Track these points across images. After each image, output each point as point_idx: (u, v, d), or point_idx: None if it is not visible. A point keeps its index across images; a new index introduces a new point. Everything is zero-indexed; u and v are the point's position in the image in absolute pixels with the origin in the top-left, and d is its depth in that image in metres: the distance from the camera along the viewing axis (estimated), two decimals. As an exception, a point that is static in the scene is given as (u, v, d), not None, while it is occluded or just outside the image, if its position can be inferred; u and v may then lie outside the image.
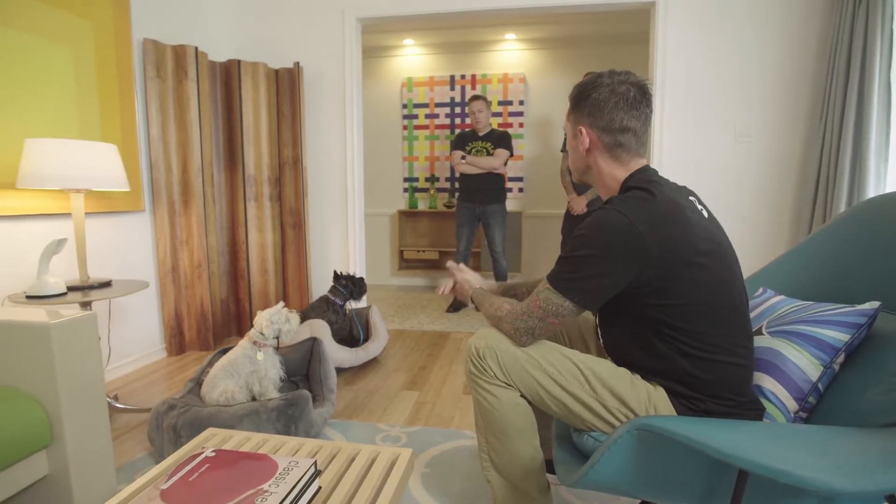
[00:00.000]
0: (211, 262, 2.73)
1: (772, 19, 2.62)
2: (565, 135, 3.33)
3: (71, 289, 1.82)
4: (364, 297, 2.97)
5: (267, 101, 2.87)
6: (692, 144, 2.77)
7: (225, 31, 3.11)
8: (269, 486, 0.78)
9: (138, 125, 2.44)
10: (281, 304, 1.95)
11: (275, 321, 1.88)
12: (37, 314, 1.31)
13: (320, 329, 2.33)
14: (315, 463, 0.85)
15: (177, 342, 2.66)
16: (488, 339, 1.13)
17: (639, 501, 1.46)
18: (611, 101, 1.07)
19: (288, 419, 1.58)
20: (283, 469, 0.82)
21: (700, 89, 2.73)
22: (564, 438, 1.23)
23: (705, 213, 1.09)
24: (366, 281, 3.05)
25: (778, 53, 2.63)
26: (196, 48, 2.54)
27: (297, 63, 2.87)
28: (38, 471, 1.26)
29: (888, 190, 2.25)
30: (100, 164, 1.82)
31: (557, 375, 1.08)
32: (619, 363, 1.14)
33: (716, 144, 2.75)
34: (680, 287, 0.99)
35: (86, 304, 1.84)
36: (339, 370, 2.48)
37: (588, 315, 1.42)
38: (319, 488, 0.87)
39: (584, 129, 1.12)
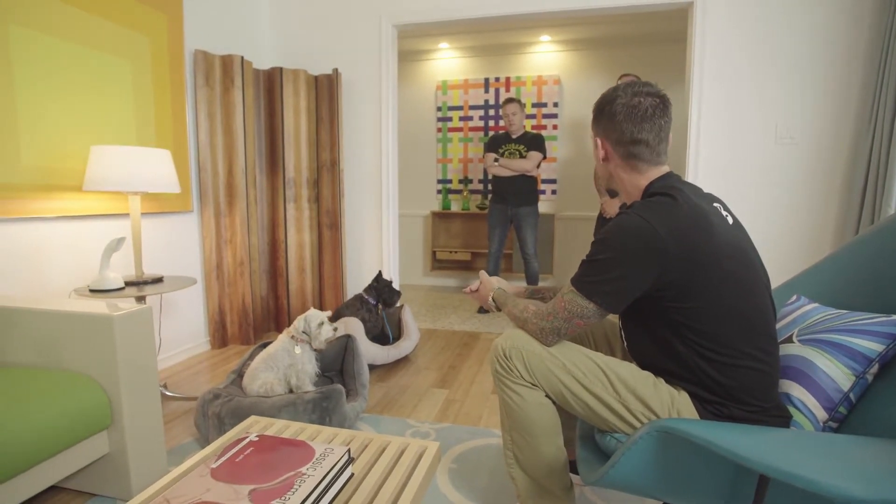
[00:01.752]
0: (252, 260, 2.87)
1: (816, 18, 2.54)
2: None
3: (128, 284, 1.97)
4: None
5: (307, 107, 2.99)
6: (730, 146, 2.71)
7: (268, 39, 3.26)
8: (307, 469, 0.84)
9: (188, 131, 2.59)
10: (329, 312, 2.04)
11: (311, 320, 1.97)
12: (100, 307, 1.43)
13: (354, 327, 2.42)
14: (349, 451, 0.91)
15: (220, 336, 2.81)
16: (514, 339, 1.17)
17: (661, 503, 1.47)
18: (622, 114, 1.10)
19: (323, 411, 1.67)
20: (320, 455, 0.89)
21: (738, 89, 2.67)
22: (588, 438, 1.25)
23: (730, 220, 1.10)
24: (397, 285, 3.12)
25: (823, 52, 2.55)
26: (242, 57, 2.68)
27: (336, 69, 2.98)
28: (99, 449, 1.39)
29: (941, 195, 2.15)
30: (155, 168, 1.96)
31: (581, 377, 1.11)
32: (642, 366, 1.16)
33: (755, 146, 2.68)
34: (701, 291, 1.00)
35: (140, 299, 1.98)
36: (372, 367, 2.56)
37: (613, 318, 1.44)
38: (352, 474, 0.93)
39: (600, 141, 1.17)
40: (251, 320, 2.87)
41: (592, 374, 1.11)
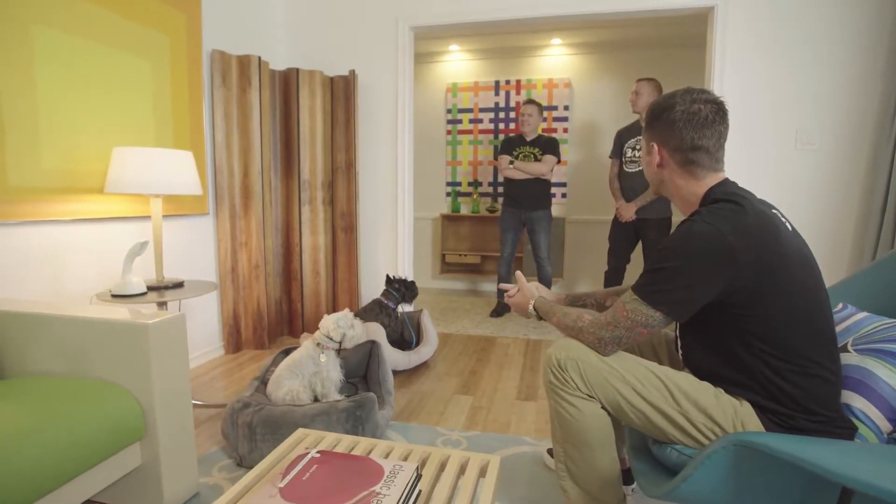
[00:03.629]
0: (267, 263, 2.83)
1: (838, 22, 2.54)
2: (614, 141, 3.31)
3: (149, 289, 1.92)
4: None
5: (322, 108, 2.95)
6: (749, 150, 2.71)
7: (284, 40, 3.22)
8: (381, 488, 0.81)
9: (205, 131, 2.55)
10: (346, 309, 2.00)
11: (341, 325, 1.94)
12: (133, 313, 1.39)
13: (377, 332, 2.38)
14: (418, 467, 0.88)
15: (234, 340, 2.77)
16: (569, 350, 1.14)
17: None
18: (682, 120, 1.09)
19: (356, 420, 1.63)
20: (390, 472, 0.85)
21: (759, 95, 2.67)
22: (642, 450, 1.23)
23: (789, 226, 1.09)
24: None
25: (844, 57, 2.55)
26: (259, 57, 2.64)
27: (353, 71, 2.94)
28: (132, 461, 1.34)
29: (967, 201, 2.15)
30: (178, 170, 1.91)
31: (641, 388, 1.09)
32: (700, 376, 1.13)
33: (775, 151, 2.68)
34: (769, 296, 0.98)
35: (162, 304, 1.93)
36: (393, 373, 2.52)
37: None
38: (420, 491, 0.90)
39: (656, 146, 1.15)
40: (265, 324, 2.82)
41: (651, 385, 1.09)
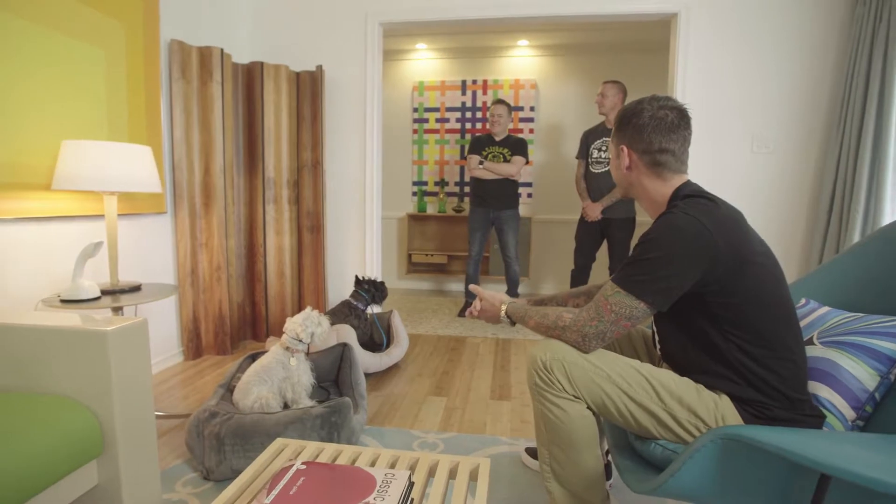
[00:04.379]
0: (230, 265, 2.71)
1: (791, 33, 2.68)
2: (580, 142, 3.37)
3: (103, 293, 1.79)
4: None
5: (288, 104, 2.85)
6: (710, 154, 2.82)
7: (248, 32, 3.09)
8: (374, 499, 0.78)
9: (163, 126, 2.41)
10: (309, 308, 1.94)
11: (308, 325, 1.88)
12: (85, 320, 1.29)
13: (347, 334, 2.32)
14: (410, 475, 0.85)
15: (194, 346, 2.63)
16: (554, 351, 1.14)
17: None
18: (650, 125, 1.15)
19: (331, 426, 1.58)
20: (382, 482, 0.82)
21: (718, 100, 2.78)
22: (624, 447, 1.24)
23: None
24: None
25: (796, 66, 2.69)
26: (221, 50, 2.52)
27: (320, 66, 2.86)
28: (88, 481, 1.24)
29: (905, 202, 2.31)
30: (135, 166, 1.79)
31: (627, 387, 1.10)
32: (679, 368, 1.17)
33: (733, 155, 2.80)
34: (742, 285, 1.04)
35: (117, 309, 1.81)
36: (365, 375, 2.46)
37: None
38: (412, 500, 0.87)
39: (625, 149, 1.19)
40: (228, 329, 2.70)
41: (637, 384, 1.10)
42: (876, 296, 1.29)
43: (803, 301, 1.44)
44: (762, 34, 2.70)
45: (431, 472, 0.99)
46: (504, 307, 1.36)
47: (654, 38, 3.97)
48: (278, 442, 1.08)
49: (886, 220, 2.32)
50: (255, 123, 2.80)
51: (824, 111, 2.69)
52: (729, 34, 2.73)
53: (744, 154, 2.79)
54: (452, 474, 1.00)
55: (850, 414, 1.12)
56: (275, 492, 0.79)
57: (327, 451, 1.03)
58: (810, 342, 1.24)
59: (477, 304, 1.44)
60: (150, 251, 2.41)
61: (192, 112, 2.49)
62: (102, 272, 2.11)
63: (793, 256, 2.80)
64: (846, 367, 1.14)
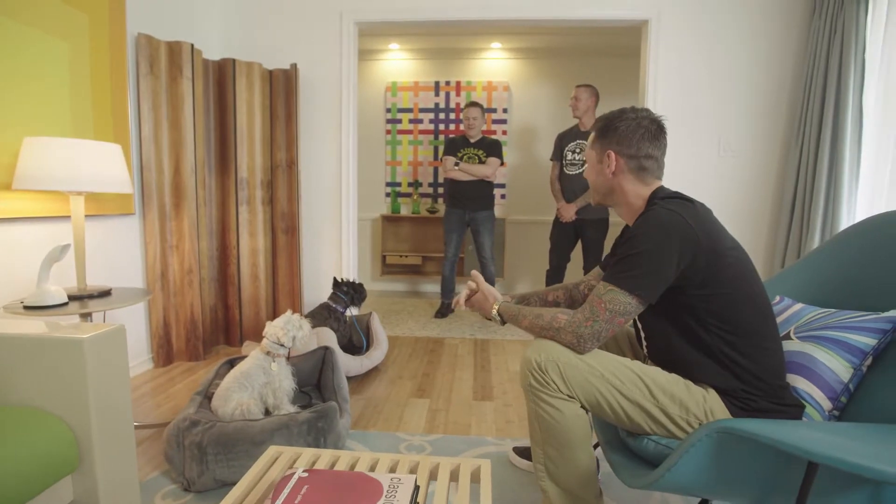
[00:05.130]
0: (202, 267, 2.61)
1: (753, 43, 2.81)
2: (555, 144, 3.43)
3: (70, 298, 1.70)
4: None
5: (261, 103, 2.78)
6: (679, 157, 2.91)
7: (219, 28, 2.99)
8: (385, 504, 0.76)
9: (130, 124, 2.30)
10: (290, 311, 1.90)
11: (290, 328, 1.83)
12: (50, 327, 1.22)
13: (328, 337, 2.28)
14: (416, 478, 0.84)
15: (164, 352, 2.53)
16: (549, 351, 1.15)
17: (697, 502, 1.52)
18: (637, 132, 1.21)
19: (318, 432, 1.54)
20: (389, 487, 0.81)
21: (688, 105, 2.88)
22: (616, 443, 1.27)
23: None
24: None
25: (759, 74, 2.83)
26: (192, 45, 2.43)
27: (294, 65, 2.80)
28: (63, 497, 1.17)
29: (859, 205, 2.46)
30: (104, 165, 1.71)
31: (620, 385, 1.12)
32: (665, 365, 1.20)
33: (701, 158, 2.91)
34: (721, 277, 1.09)
35: (85, 315, 1.72)
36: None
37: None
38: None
39: (612, 154, 1.23)
40: (200, 334, 2.61)
41: (629, 381, 1.13)
42: (847, 292, 1.36)
43: (778, 298, 1.51)
44: (727, 44, 2.82)
45: (432, 475, 0.98)
46: (496, 306, 1.36)
47: (626, 43, 4.08)
48: (272, 450, 1.04)
49: (843, 221, 2.45)
50: (227, 122, 2.72)
51: (785, 118, 2.83)
52: (696, 43, 2.83)
53: (711, 158, 2.90)
54: (454, 476, 0.99)
55: (826, 405, 1.18)
56: (279, 501, 0.77)
57: (324, 458, 1.01)
58: (787, 337, 1.30)
59: (465, 293, 1.44)
60: (117, 254, 2.30)
61: (161, 109, 2.39)
62: (67, 277, 2.00)
63: (757, 256, 2.93)
64: (822, 361, 1.20)
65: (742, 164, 2.89)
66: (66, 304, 1.64)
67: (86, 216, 2.10)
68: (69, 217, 1.98)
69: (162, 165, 2.42)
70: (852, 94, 2.40)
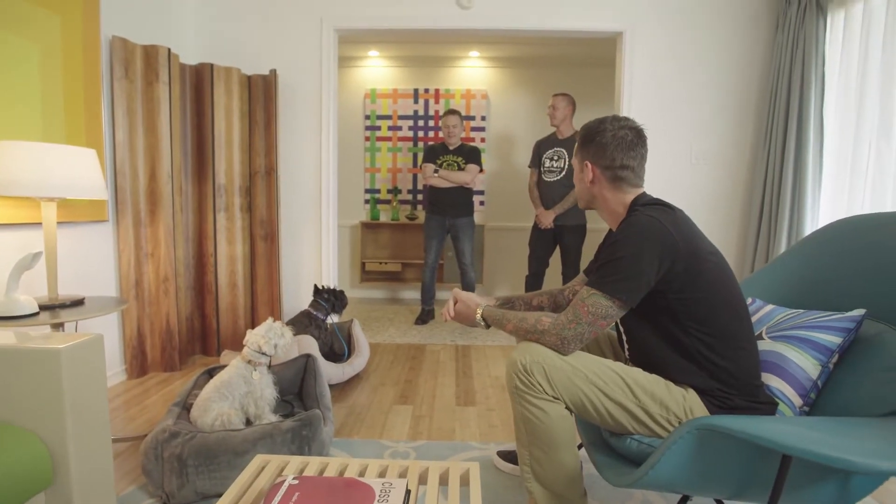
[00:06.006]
0: (178, 276, 2.56)
1: (721, 56, 2.93)
2: (533, 152, 3.49)
3: (41, 308, 1.64)
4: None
5: (240, 108, 2.75)
6: (654, 165, 3.00)
7: (197, 32, 2.95)
8: (378, 508, 0.77)
9: (104, 128, 2.25)
10: (271, 319, 1.88)
11: (272, 336, 1.81)
12: (20, 338, 1.18)
13: (310, 345, 2.25)
14: (407, 484, 0.85)
15: (138, 363, 2.46)
16: (533, 353, 1.17)
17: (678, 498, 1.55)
18: (612, 144, 1.24)
19: (302, 440, 1.53)
20: (381, 492, 0.81)
21: (661, 113, 2.97)
22: (599, 444, 1.29)
23: None
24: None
25: (727, 85, 2.94)
26: (169, 49, 2.40)
27: (274, 70, 2.78)
28: (35, 515, 1.13)
29: (822, 210, 2.58)
30: (79, 170, 1.66)
31: (603, 385, 1.15)
32: (647, 368, 1.23)
33: (675, 166, 3.00)
34: (700, 282, 1.13)
35: (57, 326, 1.66)
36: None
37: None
38: (410, 508, 0.87)
39: (589, 164, 1.28)
40: (176, 343, 2.55)
41: (612, 382, 1.15)
42: (813, 293, 1.43)
43: (750, 300, 1.57)
44: (698, 56, 2.93)
45: (422, 480, 0.99)
46: (480, 310, 1.38)
47: (602, 54, 4.18)
48: (259, 458, 1.03)
49: (808, 225, 2.57)
50: (205, 127, 2.68)
51: (752, 128, 2.95)
52: (668, 55, 2.93)
53: (684, 165, 3.00)
54: (443, 480, 1.00)
55: (797, 401, 1.23)
56: (271, 509, 0.76)
57: (313, 465, 1.00)
58: (760, 337, 1.35)
59: (451, 305, 1.45)
60: (89, 262, 2.23)
61: (136, 113, 2.34)
62: (37, 286, 1.93)
63: (729, 260, 3.01)
64: (793, 359, 1.25)
65: (713, 171, 3.00)
66: (36, 314, 1.59)
67: (57, 223, 2.03)
68: (40, 224, 1.92)
69: (137, 171, 2.37)
70: (814, 105, 2.52)
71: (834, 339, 1.24)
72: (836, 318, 1.26)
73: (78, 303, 1.75)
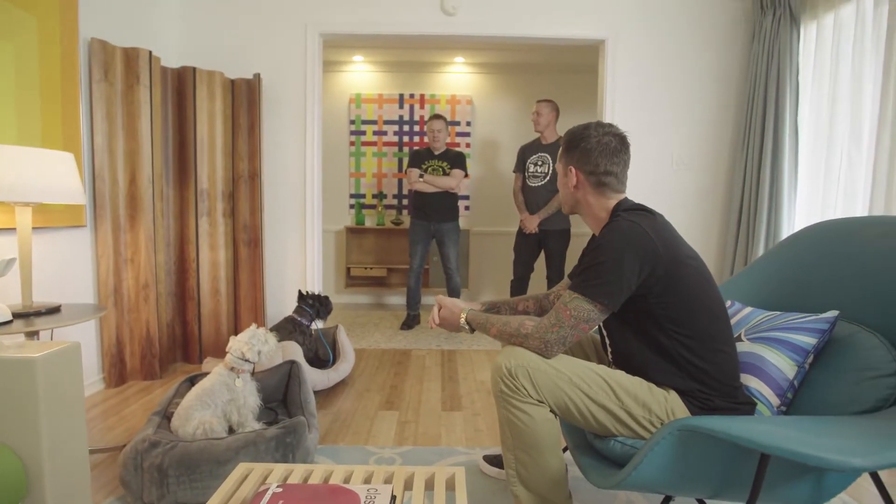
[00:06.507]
0: (159, 282, 2.51)
1: (700, 64, 3.00)
2: (517, 157, 3.52)
3: (15, 315, 1.60)
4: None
5: (223, 112, 2.72)
6: (636, 170, 3.05)
7: (179, 36, 2.92)
8: (364, 514, 0.76)
9: (82, 132, 2.20)
10: (254, 325, 1.86)
11: (255, 343, 1.79)
12: (6, 348, 1.15)
13: (294, 351, 2.23)
14: (392, 490, 0.85)
15: (117, 372, 2.41)
16: (518, 357, 1.18)
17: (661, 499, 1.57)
18: (596, 150, 1.26)
19: (286, 448, 1.51)
20: (366, 499, 0.81)
21: (643, 120, 3.03)
22: (583, 446, 1.30)
23: None
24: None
25: (706, 93, 3.01)
26: (150, 52, 2.36)
27: (258, 75, 2.76)
28: (9, 528, 1.10)
29: (798, 215, 2.65)
30: (56, 174, 1.63)
31: (587, 388, 1.16)
32: (629, 371, 1.25)
33: (656, 171, 3.05)
34: (680, 286, 1.15)
35: (32, 334, 1.62)
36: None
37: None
38: (396, 513, 0.86)
39: (573, 169, 1.30)
40: (156, 351, 2.50)
41: (596, 385, 1.17)
42: (790, 295, 1.46)
43: (729, 303, 1.60)
44: (678, 64, 2.99)
45: (408, 485, 0.99)
46: (464, 315, 1.39)
47: (585, 61, 4.24)
48: (242, 466, 1.02)
49: (784, 230, 2.63)
50: (187, 131, 2.64)
51: (731, 135, 3.02)
52: (650, 62, 2.99)
53: (665, 170, 3.05)
54: (429, 485, 1.00)
55: (775, 401, 1.26)
56: (255, 518, 0.76)
57: (297, 472, 0.99)
58: (739, 339, 1.38)
59: (436, 312, 1.45)
60: (66, 269, 2.18)
61: (115, 117, 2.30)
62: (11, 293, 1.88)
63: (709, 263, 3.08)
64: (770, 360, 1.28)
65: (693, 177, 3.06)
66: (10, 322, 1.55)
67: (33, 228, 1.99)
68: (14, 229, 1.87)
69: (116, 175, 2.33)
70: (789, 113, 2.59)
71: (809, 340, 1.27)
72: (811, 320, 1.29)
73: (54, 310, 1.71)
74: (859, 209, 2.22)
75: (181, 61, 2.94)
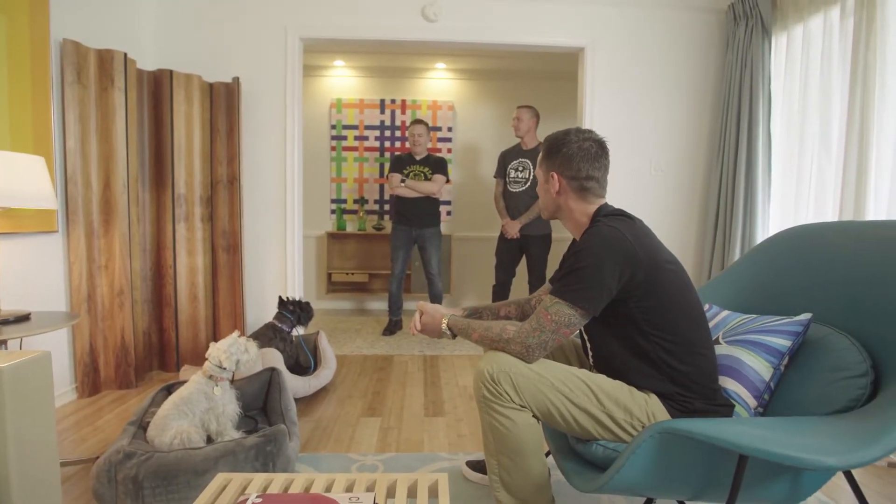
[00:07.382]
0: (134, 289, 2.45)
1: (677, 72, 3.07)
2: (498, 162, 3.54)
3: (-18, 325, 1.54)
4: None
5: (201, 116, 2.68)
6: (615, 176, 3.10)
7: (155, 38, 2.86)
8: (346, 524, 0.75)
9: (53, 135, 2.14)
10: (236, 333, 1.82)
11: (234, 351, 1.76)
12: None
13: (275, 359, 2.20)
14: (374, 496, 0.84)
15: (91, 381, 2.33)
16: (500, 363, 1.18)
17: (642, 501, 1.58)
18: (578, 155, 1.28)
19: (266, 457, 1.48)
20: (349, 506, 0.80)
21: (621, 126, 3.08)
22: (566, 450, 1.31)
23: None
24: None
25: (681, 100, 3.08)
26: (125, 54, 2.32)
27: (237, 78, 2.73)
28: (-27, 547, 1.05)
29: (772, 220, 2.72)
30: (23, 178, 1.58)
31: (569, 392, 1.17)
32: (610, 374, 1.26)
33: (635, 177, 3.11)
34: (659, 290, 1.17)
35: (0, 343, 1.56)
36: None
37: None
38: (378, 522, 0.85)
39: (555, 175, 1.31)
40: (132, 359, 2.43)
41: (577, 389, 1.18)
42: (765, 298, 1.50)
43: (707, 306, 1.63)
44: (655, 72, 3.06)
45: (390, 493, 0.98)
46: (445, 321, 1.38)
47: (565, 68, 4.30)
48: (220, 477, 1.00)
49: (759, 234, 2.70)
50: (164, 135, 2.59)
51: (706, 142, 3.09)
52: (628, 70, 3.05)
53: (643, 177, 3.11)
54: (411, 492, 0.99)
55: (752, 403, 1.28)
56: (234, 530, 0.74)
57: (277, 482, 0.97)
58: (717, 342, 1.41)
59: (417, 318, 1.45)
60: (36, 275, 2.12)
61: (88, 120, 2.25)
62: (-24, 301, 1.81)
63: (686, 268, 3.11)
64: (747, 362, 1.30)
65: (671, 183, 3.12)
66: (-24, 331, 1.49)
67: (0, 234, 1.92)
68: (-19, 235, 1.81)
69: (90, 179, 2.27)
70: (762, 121, 2.66)
71: (784, 343, 1.30)
72: (786, 323, 1.33)
73: (23, 318, 1.65)
74: (829, 212, 2.29)
75: (158, 64, 2.89)
